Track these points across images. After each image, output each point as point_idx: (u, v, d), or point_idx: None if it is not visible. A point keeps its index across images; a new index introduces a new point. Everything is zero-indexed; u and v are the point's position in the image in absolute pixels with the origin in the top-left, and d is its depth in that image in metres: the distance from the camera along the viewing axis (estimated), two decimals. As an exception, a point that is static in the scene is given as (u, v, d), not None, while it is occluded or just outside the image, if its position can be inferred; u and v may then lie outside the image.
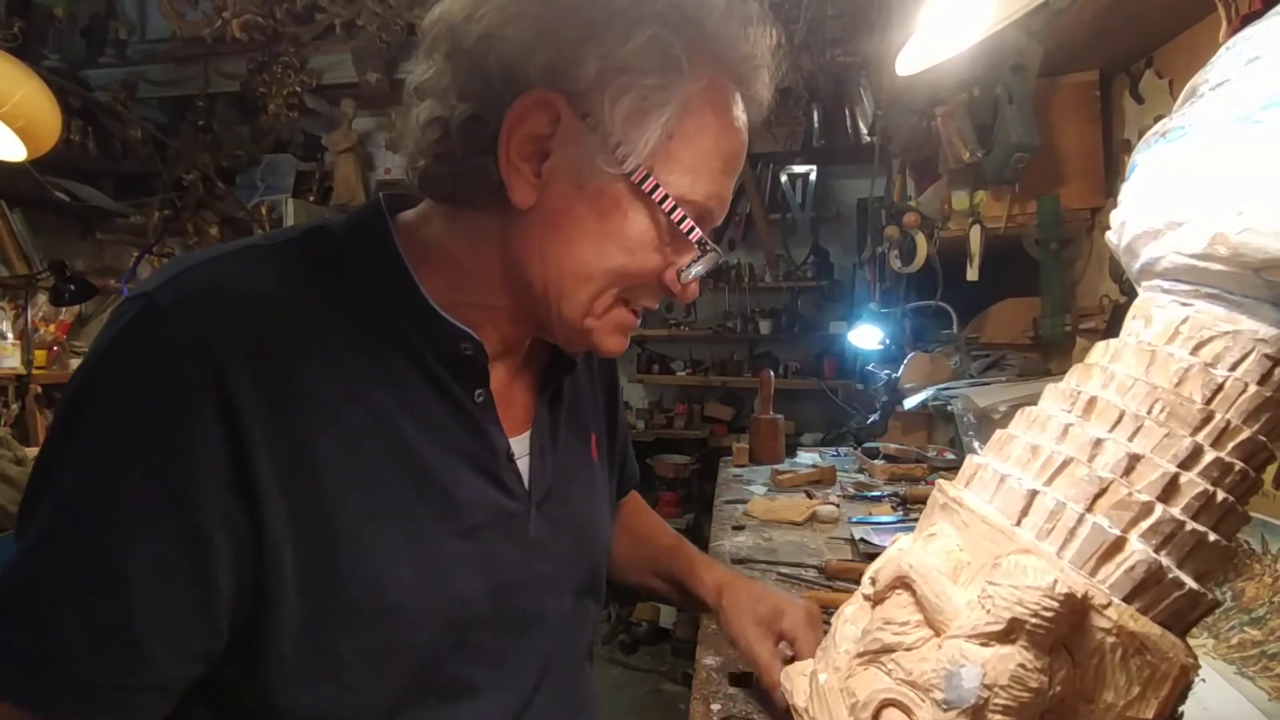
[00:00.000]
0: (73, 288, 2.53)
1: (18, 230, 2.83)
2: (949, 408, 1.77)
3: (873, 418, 2.24)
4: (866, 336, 2.46)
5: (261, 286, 0.49)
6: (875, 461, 1.79)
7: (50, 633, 0.44)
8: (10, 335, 2.79)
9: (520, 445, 0.62)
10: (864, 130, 2.64)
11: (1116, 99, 1.53)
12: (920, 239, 1.84)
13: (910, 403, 1.93)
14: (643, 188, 0.51)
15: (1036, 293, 1.67)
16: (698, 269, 0.56)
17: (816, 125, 3.24)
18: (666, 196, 0.51)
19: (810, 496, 1.57)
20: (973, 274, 1.68)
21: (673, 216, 0.52)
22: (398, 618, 0.51)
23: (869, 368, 2.45)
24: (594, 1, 0.49)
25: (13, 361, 2.75)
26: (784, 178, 3.43)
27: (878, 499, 1.55)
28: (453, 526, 0.54)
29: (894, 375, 2.09)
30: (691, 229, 0.53)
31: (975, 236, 1.65)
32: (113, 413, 0.45)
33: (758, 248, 3.59)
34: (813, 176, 3.42)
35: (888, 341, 2.38)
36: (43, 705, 0.44)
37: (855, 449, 2.02)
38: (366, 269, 0.54)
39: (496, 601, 0.57)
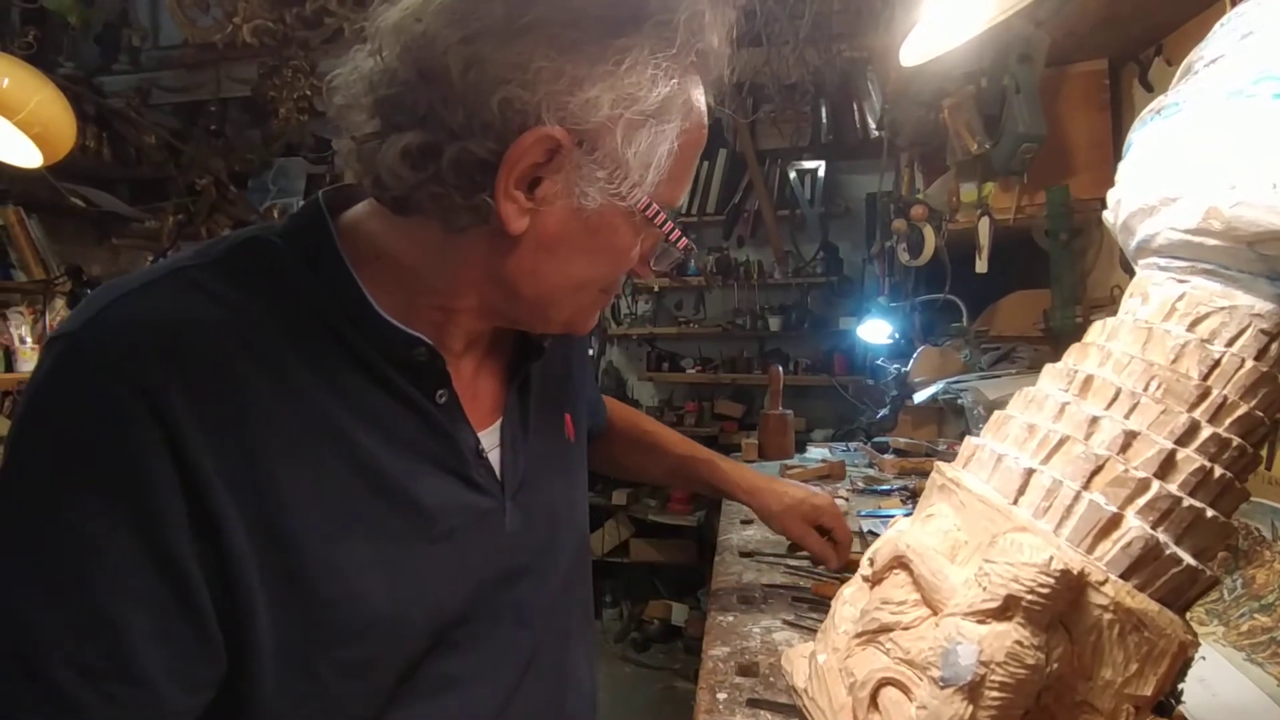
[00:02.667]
0: (89, 292, 2.56)
1: (36, 236, 2.87)
2: (959, 401, 1.76)
3: (882, 412, 2.24)
4: (876, 331, 2.45)
5: (190, 312, 0.47)
6: (885, 456, 1.78)
7: (56, 691, 0.42)
8: (30, 340, 2.84)
9: (491, 437, 0.61)
10: (872, 124, 2.63)
11: (1126, 87, 1.52)
12: (928, 232, 1.83)
13: (920, 397, 1.92)
14: (646, 214, 0.52)
15: (1047, 284, 1.66)
16: (669, 258, 0.59)
17: (824, 120, 3.23)
18: (659, 212, 0.52)
19: (819, 490, 1.57)
20: (981, 266, 1.67)
21: (665, 228, 0.54)
22: (376, 633, 0.51)
23: (878, 362, 2.44)
24: (595, 35, 0.47)
25: (31, 365, 2.79)
26: (792, 174, 3.42)
27: (887, 493, 1.55)
28: (424, 534, 0.54)
29: (903, 369, 2.08)
30: (680, 236, 0.55)
31: (984, 228, 1.64)
32: (58, 464, 0.43)
33: (766, 245, 3.58)
34: (821, 172, 3.41)
35: (897, 336, 2.37)
36: None
37: (865, 444, 2.01)
38: (308, 279, 0.52)
39: (475, 600, 0.57)
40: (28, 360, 2.80)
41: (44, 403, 0.45)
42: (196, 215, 3.31)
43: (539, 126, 0.47)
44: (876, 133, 2.49)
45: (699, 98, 0.53)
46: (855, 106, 2.91)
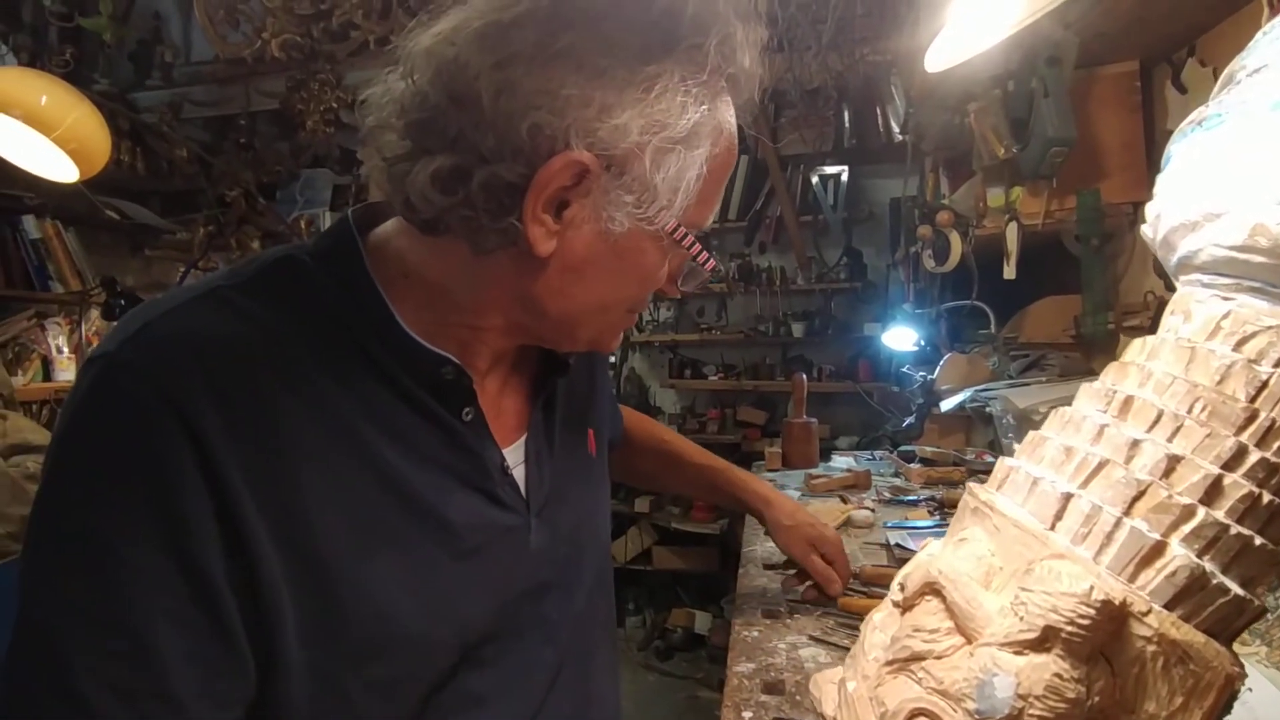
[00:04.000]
0: (123, 303, 2.62)
1: (72, 248, 2.94)
2: (987, 409, 1.73)
3: (908, 420, 2.20)
4: (901, 338, 2.42)
5: (225, 331, 0.48)
6: (911, 465, 1.75)
7: (87, 709, 0.43)
8: (66, 349, 2.91)
9: (515, 454, 0.62)
10: (895, 129, 2.60)
11: (1158, 89, 1.48)
12: (954, 238, 1.80)
13: (947, 405, 1.89)
14: (674, 236, 0.52)
15: (1077, 290, 1.63)
16: (696, 278, 0.60)
17: (847, 125, 3.20)
18: (687, 234, 0.53)
19: (845, 501, 1.55)
20: (1009, 272, 1.65)
21: (692, 250, 0.54)
22: (404, 650, 0.51)
23: (904, 370, 2.40)
24: (625, 61, 0.47)
25: (68, 375, 2.86)
26: (815, 179, 3.39)
27: (914, 503, 1.52)
28: (451, 551, 0.54)
29: (930, 377, 2.05)
30: (708, 258, 0.56)
31: (1012, 234, 1.61)
32: (92, 482, 0.44)
33: (789, 250, 3.56)
34: (844, 177, 3.38)
35: (923, 343, 2.34)
36: None
37: (891, 452, 1.98)
38: (337, 297, 0.52)
39: (501, 616, 0.57)
40: (65, 370, 2.87)
41: (81, 422, 0.46)
42: (226, 226, 3.37)
43: (567, 151, 0.47)
44: (900, 137, 2.47)
45: (729, 120, 0.53)
46: (879, 111, 2.89)
